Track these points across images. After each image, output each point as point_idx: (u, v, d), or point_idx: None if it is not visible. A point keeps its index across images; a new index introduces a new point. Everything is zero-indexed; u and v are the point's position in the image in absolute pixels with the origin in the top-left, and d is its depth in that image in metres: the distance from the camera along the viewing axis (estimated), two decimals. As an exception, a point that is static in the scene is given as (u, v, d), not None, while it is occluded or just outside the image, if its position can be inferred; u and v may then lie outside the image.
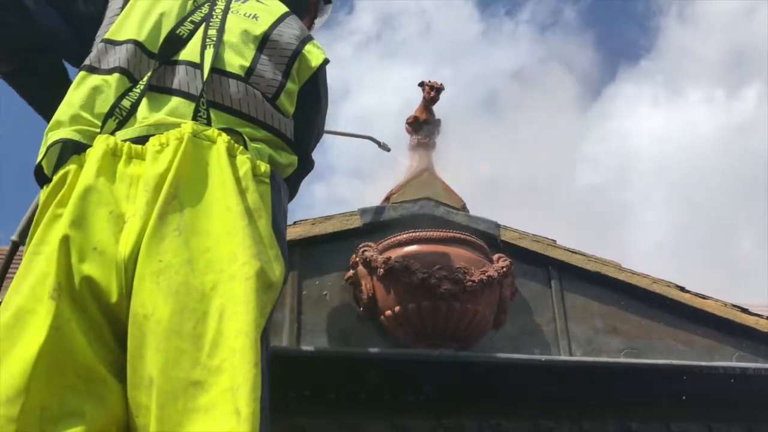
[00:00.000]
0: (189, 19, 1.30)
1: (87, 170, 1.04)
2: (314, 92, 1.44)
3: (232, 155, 1.11)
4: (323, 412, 2.02)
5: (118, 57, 1.21)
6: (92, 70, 1.21)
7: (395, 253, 2.22)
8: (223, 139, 1.11)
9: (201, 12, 1.32)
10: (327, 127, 1.65)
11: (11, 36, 1.28)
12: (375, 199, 2.67)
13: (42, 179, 1.14)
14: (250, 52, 1.30)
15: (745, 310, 2.51)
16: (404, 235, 2.27)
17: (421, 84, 2.74)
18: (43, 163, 1.13)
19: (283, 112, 1.31)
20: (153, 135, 1.10)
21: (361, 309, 2.26)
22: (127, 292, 0.94)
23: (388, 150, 2.74)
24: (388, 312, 2.20)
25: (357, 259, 2.27)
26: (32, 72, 1.37)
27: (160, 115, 1.16)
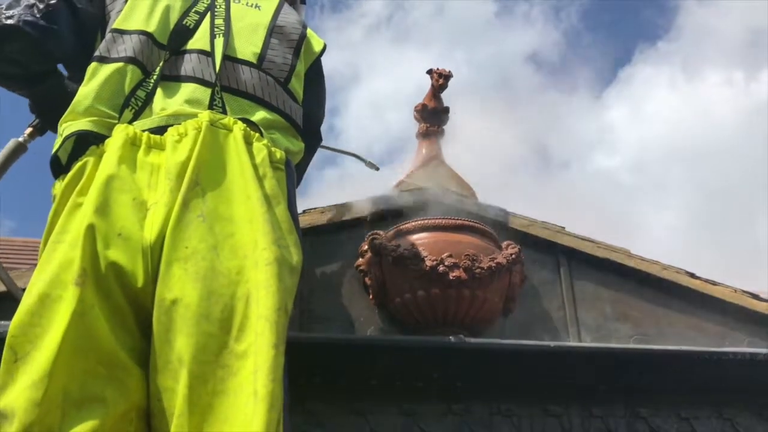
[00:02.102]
0: (193, 10, 1.33)
1: (108, 159, 1.05)
2: (319, 74, 1.52)
3: (248, 142, 1.12)
4: (334, 399, 2.04)
5: (129, 46, 1.23)
6: (103, 60, 1.22)
7: (404, 241, 2.23)
8: (239, 127, 1.13)
9: (203, 2, 1.35)
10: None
11: (17, 73, 1.30)
12: (384, 186, 2.67)
13: (57, 170, 1.16)
14: (259, 40, 1.33)
15: (756, 296, 2.50)
16: (413, 223, 2.27)
17: (430, 71, 2.72)
18: (59, 154, 1.14)
19: (294, 97, 1.34)
20: (171, 125, 1.12)
21: (371, 296, 2.27)
22: (153, 277, 0.95)
23: (377, 169, 2.64)
24: (398, 299, 2.20)
25: (366, 246, 2.28)
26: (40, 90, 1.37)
27: (177, 105, 1.18)
